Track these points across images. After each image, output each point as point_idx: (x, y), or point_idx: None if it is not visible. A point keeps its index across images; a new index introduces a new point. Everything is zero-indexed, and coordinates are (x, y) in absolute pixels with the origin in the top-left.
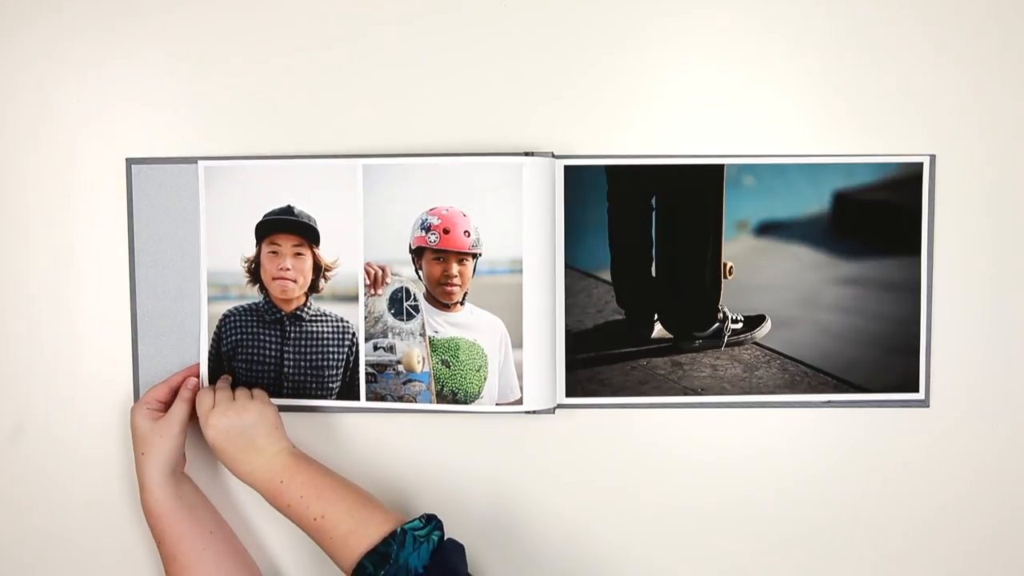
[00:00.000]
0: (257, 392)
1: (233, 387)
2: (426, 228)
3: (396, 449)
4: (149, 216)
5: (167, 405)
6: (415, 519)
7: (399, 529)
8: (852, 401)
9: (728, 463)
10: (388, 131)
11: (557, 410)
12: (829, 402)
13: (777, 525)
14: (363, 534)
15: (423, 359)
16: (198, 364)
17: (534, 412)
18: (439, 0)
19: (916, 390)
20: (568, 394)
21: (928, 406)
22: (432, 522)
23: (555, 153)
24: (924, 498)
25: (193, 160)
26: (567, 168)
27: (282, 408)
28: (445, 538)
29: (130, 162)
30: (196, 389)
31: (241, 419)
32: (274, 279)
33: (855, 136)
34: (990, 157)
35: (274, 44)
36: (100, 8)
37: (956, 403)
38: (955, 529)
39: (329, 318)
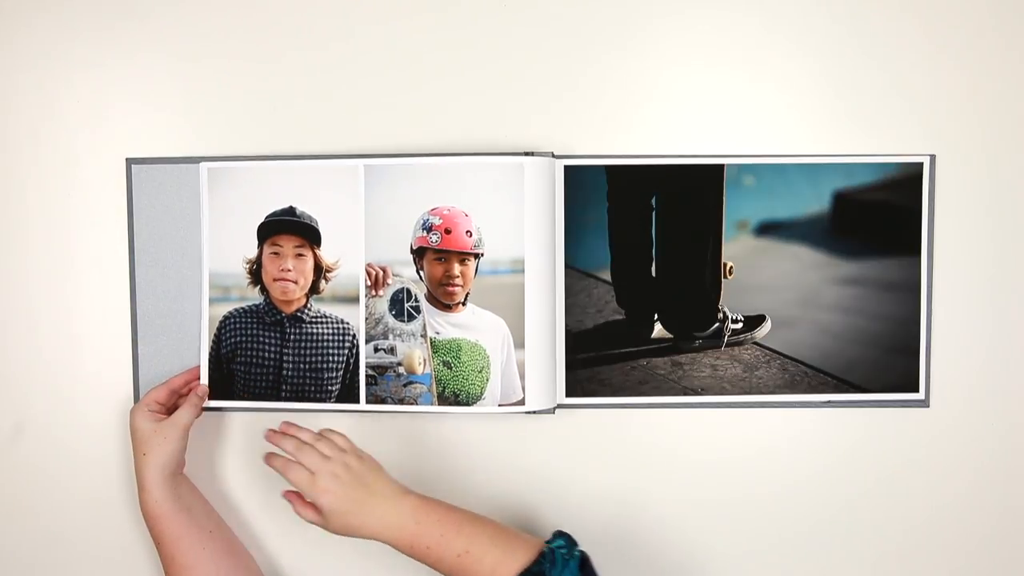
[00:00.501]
0: (337, 436)
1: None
2: (427, 228)
3: (392, 450)
4: (149, 216)
5: (167, 407)
6: (555, 539)
7: (547, 549)
8: (852, 401)
9: (728, 463)
10: (389, 131)
11: (557, 410)
12: (829, 402)
13: (777, 524)
14: (511, 560)
15: (424, 360)
16: (198, 366)
17: (534, 412)
18: (441, 1)
19: (916, 390)
20: (568, 394)
21: (928, 406)
22: (567, 537)
23: (555, 153)
24: (924, 498)
25: (193, 160)
26: (567, 168)
27: (276, 410)
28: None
29: (130, 162)
30: (205, 396)
31: (350, 473)
32: (275, 280)
33: (855, 136)
34: (990, 157)
35: (274, 44)
36: (100, 8)
37: (956, 403)
38: (954, 528)
39: (329, 320)
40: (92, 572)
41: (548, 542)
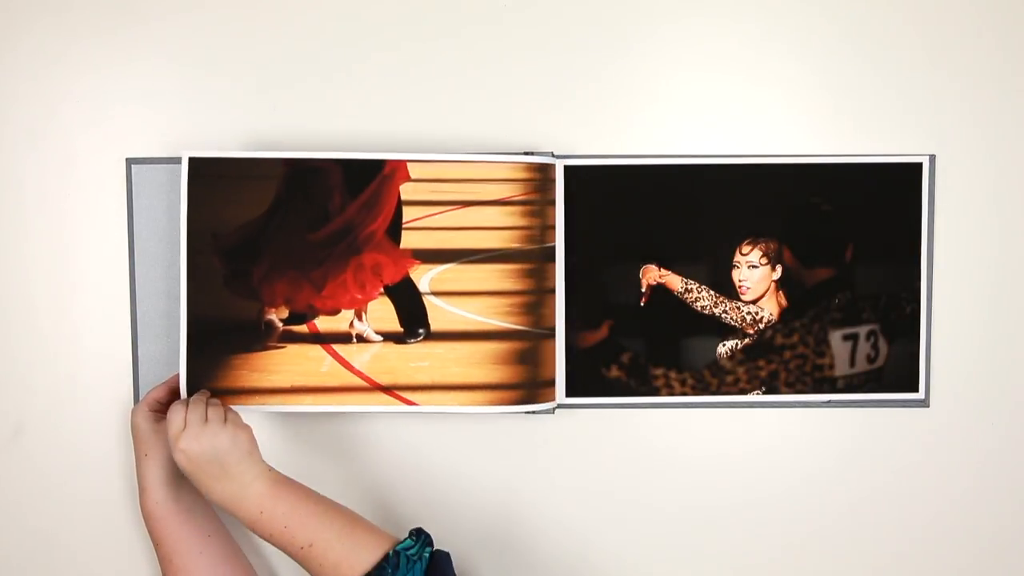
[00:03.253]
0: (231, 414)
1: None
2: None
3: (393, 450)
4: (149, 216)
5: (168, 406)
6: (406, 538)
7: (392, 552)
8: (852, 401)
9: (728, 463)
10: (390, 131)
11: (557, 410)
12: (829, 402)
13: (777, 525)
14: (355, 560)
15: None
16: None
17: (534, 412)
18: (440, 0)
19: (916, 390)
20: (568, 394)
21: (928, 406)
22: (422, 537)
23: (555, 153)
24: (924, 498)
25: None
26: (567, 168)
27: (280, 410)
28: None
29: (130, 162)
30: (206, 395)
31: (213, 445)
32: None
33: (855, 136)
34: (990, 157)
35: (274, 44)
36: (100, 9)
37: (956, 403)
38: (955, 528)
39: None
40: (92, 572)
41: (399, 543)
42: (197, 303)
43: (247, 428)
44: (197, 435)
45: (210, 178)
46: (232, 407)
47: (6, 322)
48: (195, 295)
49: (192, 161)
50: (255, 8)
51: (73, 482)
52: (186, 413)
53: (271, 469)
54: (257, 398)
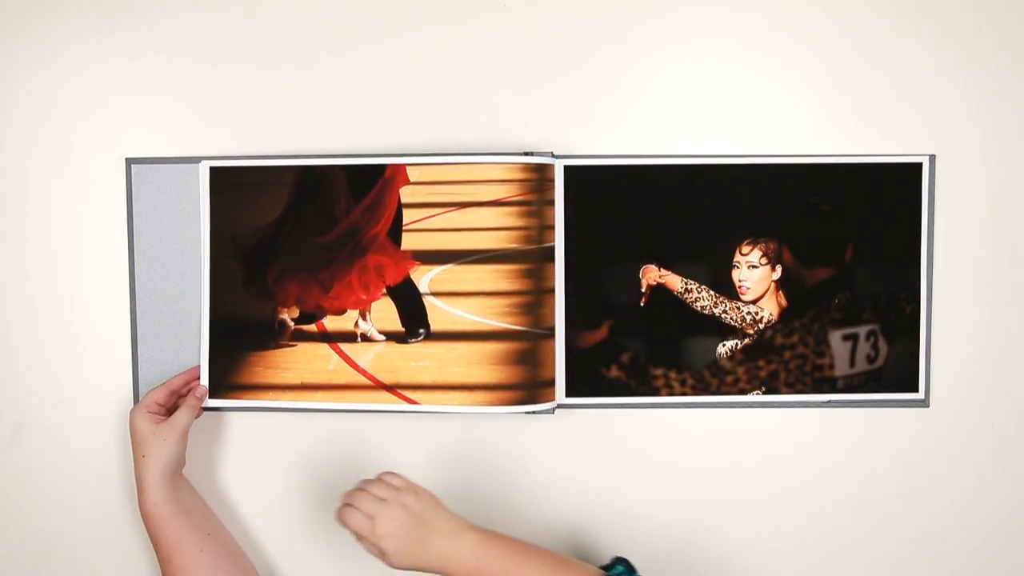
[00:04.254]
0: (391, 476)
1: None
2: None
3: (394, 449)
4: (149, 216)
5: (166, 407)
6: (615, 566)
7: None
8: (852, 401)
9: (728, 463)
10: (389, 131)
11: (557, 410)
12: (829, 402)
13: (777, 525)
14: None
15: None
16: (198, 367)
17: (534, 412)
18: (440, 1)
19: (916, 390)
20: (568, 394)
21: (928, 406)
22: (626, 564)
23: (555, 153)
24: (924, 498)
25: (193, 160)
26: (567, 168)
27: (276, 410)
28: None
29: (130, 162)
30: (204, 397)
31: (405, 511)
32: None
33: (855, 136)
34: (990, 157)
35: (274, 45)
36: (99, 8)
37: (956, 403)
38: (955, 529)
39: None
40: (92, 572)
41: (606, 568)
42: (217, 303)
43: (419, 485)
44: (388, 515)
45: (227, 185)
46: (396, 474)
47: (6, 322)
48: (216, 296)
49: (212, 170)
50: (255, 8)
51: (73, 482)
52: (359, 513)
53: (461, 517)
54: (271, 394)
